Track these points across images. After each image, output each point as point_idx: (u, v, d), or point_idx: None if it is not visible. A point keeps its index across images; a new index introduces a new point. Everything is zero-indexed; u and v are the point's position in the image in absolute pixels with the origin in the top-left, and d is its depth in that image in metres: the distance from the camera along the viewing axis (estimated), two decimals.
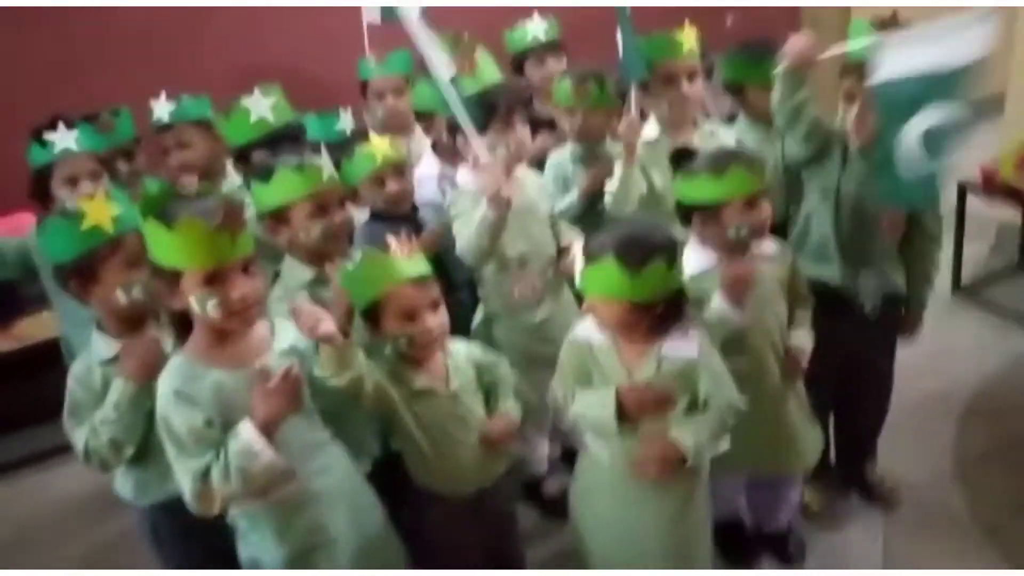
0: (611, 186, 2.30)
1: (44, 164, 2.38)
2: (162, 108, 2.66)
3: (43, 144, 2.37)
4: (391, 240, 1.75)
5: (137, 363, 1.70)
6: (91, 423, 1.73)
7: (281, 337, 1.68)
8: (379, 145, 2.20)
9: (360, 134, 2.35)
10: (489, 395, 1.92)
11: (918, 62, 1.76)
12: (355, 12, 3.02)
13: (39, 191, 2.41)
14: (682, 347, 1.74)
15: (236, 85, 2.57)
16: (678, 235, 1.88)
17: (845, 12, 4.56)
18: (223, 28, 3.55)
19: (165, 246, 1.50)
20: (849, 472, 2.51)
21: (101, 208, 1.70)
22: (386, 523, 1.83)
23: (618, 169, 2.27)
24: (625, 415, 1.72)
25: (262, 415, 1.54)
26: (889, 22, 2.05)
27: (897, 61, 1.78)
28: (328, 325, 1.60)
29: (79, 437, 1.74)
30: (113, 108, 2.76)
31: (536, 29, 3.01)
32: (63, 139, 2.36)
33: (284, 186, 1.90)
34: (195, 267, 1.50)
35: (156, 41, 3.46)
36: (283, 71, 2.79)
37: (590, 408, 1.78)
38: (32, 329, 3.02)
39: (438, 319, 1.78)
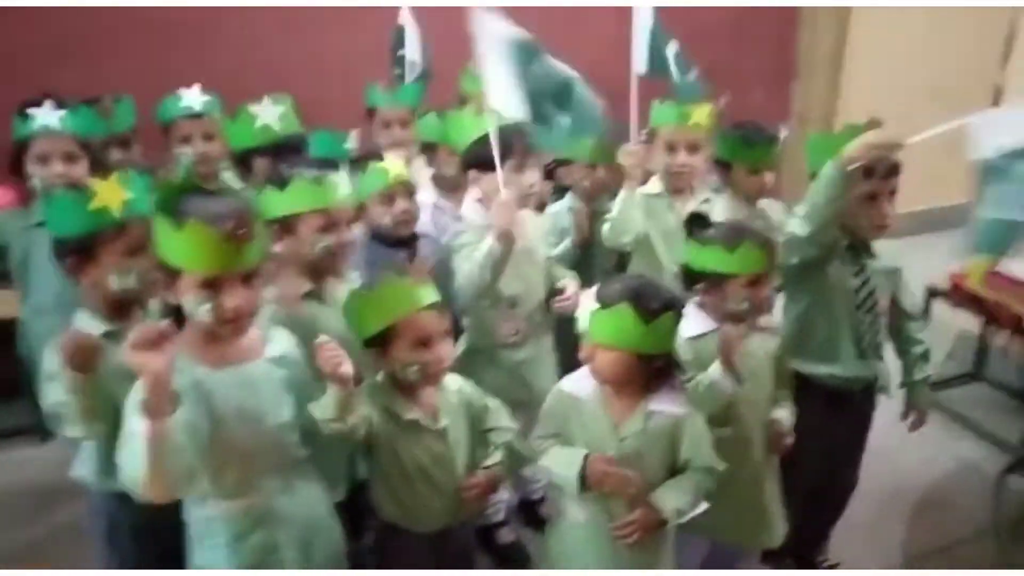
0: (610, 213, 2.34)
1: (22, 138, 2.30)
2: (195, 97, 2.63)
3: (25, 118, 2.30)
4: (408, 266, 1.76)
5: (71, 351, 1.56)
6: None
7: (274, 344, 1.64)
8: (392, 163, 2.21)
9: (372, 154, 2.35)
10: (476, 439, 1.87)
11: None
12: (375, 36, 3.04)
13: (15, 165, 2.33)
14: (670, 404, 1.76)
15: (242, 91, 2.56)
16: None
17: (832, 111, 4.76)
18: (239, 33, 3.52)
19: (170, 244, 1.47)
20: (802, 555, 2.52)
21: (113, 190, 1.66)
22: (341, 558, 1.78)
23: (619, 197, 2.31)
24: (587, 482, 1.72)
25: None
26: (872, 124, 2.06)
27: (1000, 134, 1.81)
28: (348, 367, 1.56)
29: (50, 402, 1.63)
30: (117, 96, 2.71)
31: None
32: (45, 116, 2.29)
33: (298, 196, 1.87)
34: (195, 271, 1.46)
35: (167, 37, 3.40)
36: (290, 85, 2.78)
37: (557, 464, 1.78)
38: None
39: (449, 348, 1.76)
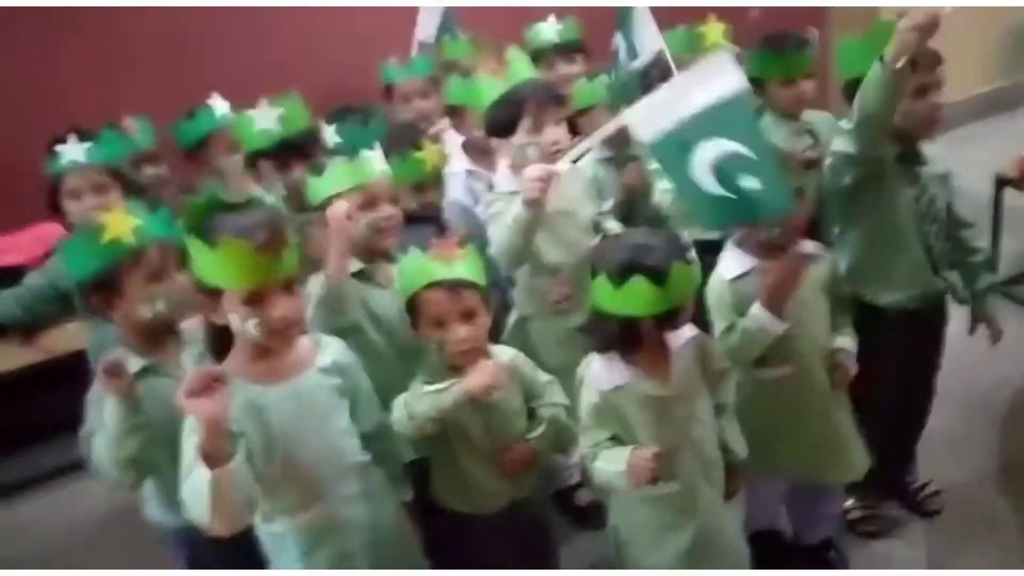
0: (667, 186, 2.24)
1: (54, 176, 2.30)
2: (226, 105, 2.62)
3: (54, 156, 2.29)
4: (436, 240, 1.73)
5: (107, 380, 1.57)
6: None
7: (324, 353, 1.64)
8: (430, 154, 2.16)
9: (411, 129, 2.36)
10: (527, 411, 1.84)
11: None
12: (390, 17, 3.00)
13: (52, 203, 2.33)
14: (684, 332, 1.71)
15: (264, 90, 2.56)
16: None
17: (873, 11, 4.48)
18: (249, 33, 3.51)
19: (207, 264, 1.45)
20: (889, 480, 2.43)
21: (120, 220, 1.64)
22: (417, 558, 1.80)
23: None
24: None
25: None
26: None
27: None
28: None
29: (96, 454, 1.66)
30: (135, 114, 2.74)
31: (549, 31, 2.93)
32: (71, 151, 2.27)
33: (333, 177, 1.90)
34: (236, 287, 1.45)
35: (186, 46, 3.42)
36: (310, 76, 2.76)
37: (607, 474, 1.67)
38: (57, 341, 2.96)
39: (469, 330, 1.70)
